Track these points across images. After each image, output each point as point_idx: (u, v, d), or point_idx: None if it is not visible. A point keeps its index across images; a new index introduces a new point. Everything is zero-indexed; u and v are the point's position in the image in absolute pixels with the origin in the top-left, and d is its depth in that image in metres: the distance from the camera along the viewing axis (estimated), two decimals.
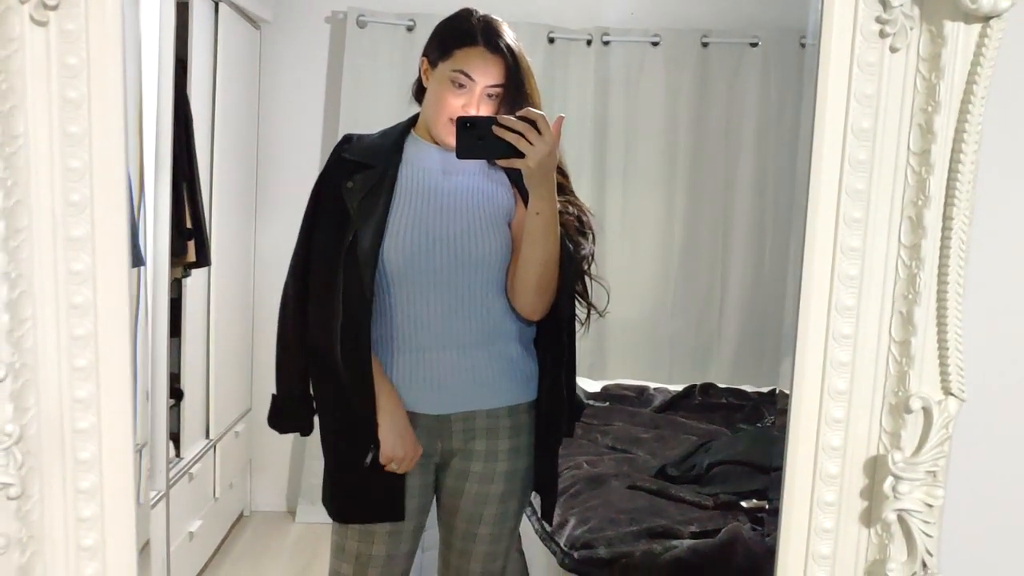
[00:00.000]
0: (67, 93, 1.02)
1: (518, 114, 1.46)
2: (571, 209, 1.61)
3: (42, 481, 1.08)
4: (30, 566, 1.08)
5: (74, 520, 1.09)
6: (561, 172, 1.58)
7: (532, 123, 1.44)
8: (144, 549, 1.93)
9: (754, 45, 3.19)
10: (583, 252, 1.61)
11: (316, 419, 1.70)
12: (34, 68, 1.01)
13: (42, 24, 1.01)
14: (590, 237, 1.64)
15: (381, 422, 1.57)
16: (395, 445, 1.57)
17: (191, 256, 2.37)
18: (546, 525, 2.06)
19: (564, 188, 1.60)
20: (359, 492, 1.62)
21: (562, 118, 1.48)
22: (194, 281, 2.49)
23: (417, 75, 1.63)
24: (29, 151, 1.02)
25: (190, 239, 2.35)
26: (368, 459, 1.57)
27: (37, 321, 1.06)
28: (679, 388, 3.02)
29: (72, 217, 1.04)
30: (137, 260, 1.75)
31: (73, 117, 1.02)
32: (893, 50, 1.04)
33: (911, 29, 1.04)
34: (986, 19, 1.00)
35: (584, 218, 1.63)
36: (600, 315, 1.68)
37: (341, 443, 1.62)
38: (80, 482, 1.09)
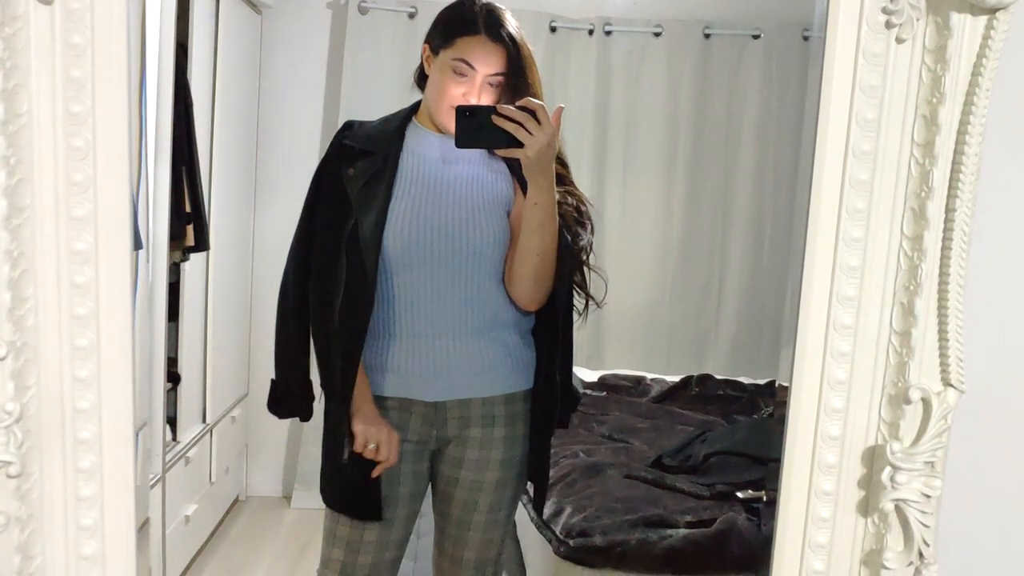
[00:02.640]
0: (71, 72, 1.01)
1: (517, 104, 1.46)
2: (570, 200, 1.60)
3: (42, 460, 1.08)
4: (29, 544, 1.09)
5: (73, 499, 1.09)
6: (561, 162, 1.58)
7: (531, 113, 1.44)
8: (141, 531, 1.93)
9: (756, 37, 3.18)
10: (581, 243, 1.61)
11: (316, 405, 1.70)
12: (38, 46, 1.01)
13: (47, 3, 1.01)
14: (588, 228, 1.63)
15: (352, 410, 1.57)
16: (367, 425, 1.57)
17: (190, 240, 2.37)
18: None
19: (563, 178, 1.59)
20: (342, 482, 1.63)
21: (562, 108, 1.47)
22: (192, 265, 2.48)
23: (419, 62, 1.62)
24: (32, 129, 1.02)
25: (189, 223, 2.34)
26: (345, 454, 1.58)
27: (39, 300, 1.06)
28: (676, 379, 3.03)
29: (75, 196, 1.04)
30: (136, 243, 1.74)
31: (77, 96, 1.02)
32: (899, 41, 1.04)
33: (917, 20, 1.04)
34: (992, 11, 1.00)
35: (583, 208, 1.63)
36: (598, 306, 1.68)
37: (332, 429, 1.63)
38: (80, 461, 1.09)
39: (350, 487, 1.61)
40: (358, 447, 1.57)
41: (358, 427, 1.57)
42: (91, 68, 1.02)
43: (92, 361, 1.08)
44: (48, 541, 1.10)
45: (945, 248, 1.05)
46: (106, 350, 1.08)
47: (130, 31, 1.05)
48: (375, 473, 1.58)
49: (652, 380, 3.05)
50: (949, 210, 1.04)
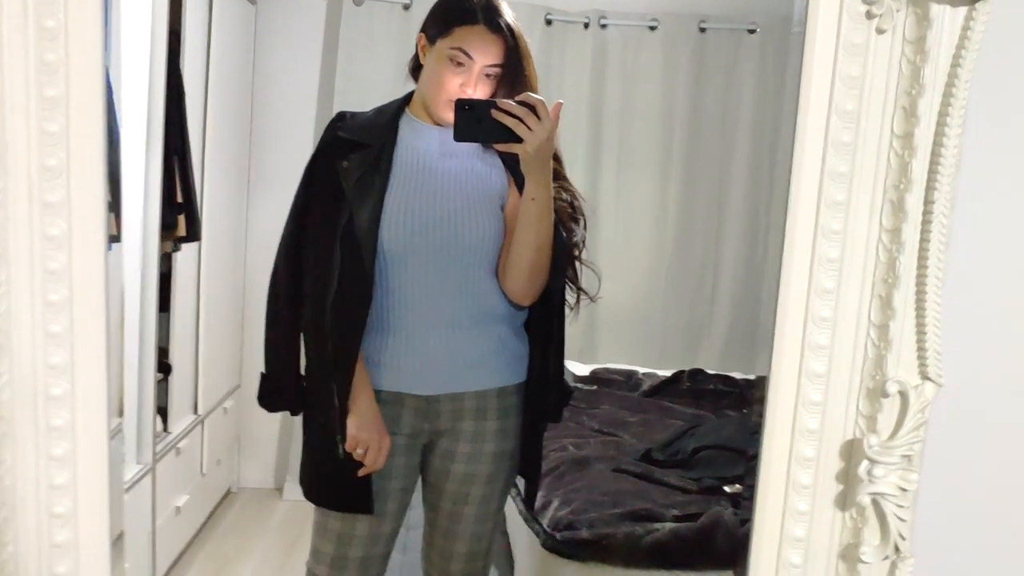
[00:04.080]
0: (44, 56, 1.01)
1: (517, 99, 1.45)
2: (564, 195, 1.60)
3: (14, 447, 1.08)
4: (2, 531, 1.08)
5: (46, 487, 1.09)
6: (555, 157, 1.57)
7: (531, 108, 1.43)
8: (117, 529, 1.93)
9: (752, 32, 3.17)
10: (575, 238, 1.61)
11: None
12: (11, 29, 1.00)
13: None
14: (581, 223, 1.63)
15: (349, 407, 1.57)
16: (360, 428, 1.57)
17: (181, 230, 2.36)
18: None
19: (558, 173, 1.59)
20: (332, 478, 1.62)
21: (561, 104, 1.47)
22: (184, 256, 2.47)
23: (414, 52, 1.61)
24: (5, 113, 1.01)
25: (181, 213, 2.34)
26: (340, 451, 1.57)
27: (11, 286, 1.05)
28: (668, 373, 3.02)
29: (48, 182, 1.03)
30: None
31: (50, 80, 1.01)
32: (879, 32, 1.04)
33: (897, 11, 1.03)
34: (972, 2, 0.99)
35: (576, 203, 1.63)
36: (591, 300, 1.68)
37: (321, 425, 1.62)
38: (53, 449, 1.08)
39: (342, 482, 1.61)
40: (349, 447, 1.56)
41: (352, 427, 1.57)
42: (65, 52, 1.01)
43: (66, 348, 1.07)
44: (21, 529, 1.10)
45: (924, 241, 1.04)
46: (80, 337, 1.07)
47: (107, 15, 1.04)
48: (361, 473, 1.58)
49: (644, 374, 3.04)
50: (928, 202, 1.04)
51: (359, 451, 1.57)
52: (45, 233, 1.04)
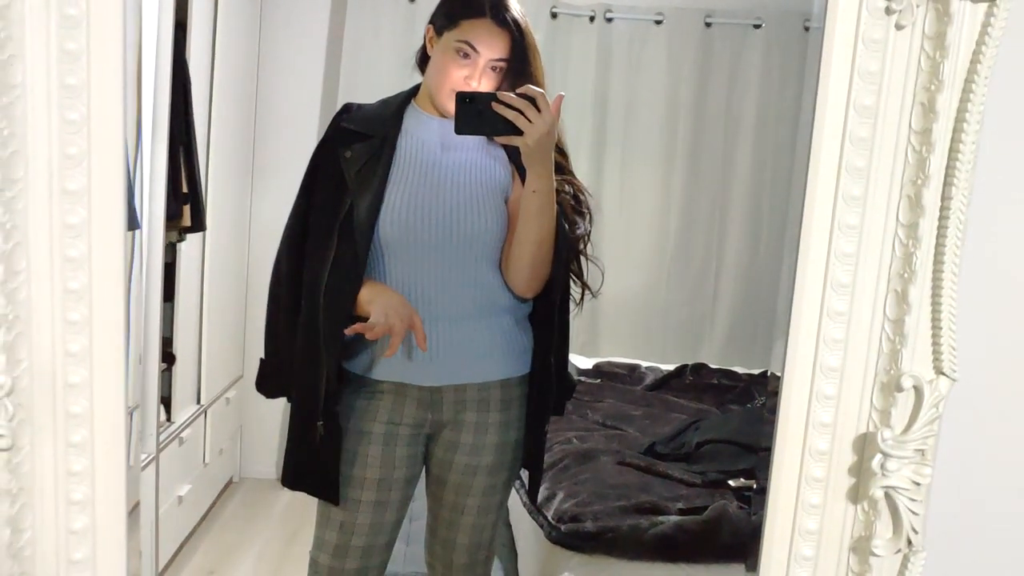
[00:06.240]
0: (66, 44, 1.01)
1: (518, 91, 1.45)
2: (568, 188, 1.60)
3: (33, 433, 1.08)
4: (19, 517, 1.09)
5: (64, 474, 1.09)
6: (560, 151, 1.57)
7: (531, 100, 1.43)
8: (133, 511, 1.92)
9: (757, 27, 3.17)
10: (579, 232, 1.61)
11: None
12: (33, 17, 1.00)
13: None
14: (587, 217, 1.63)
15: (365, 301, 1.53)
16: (387, 313, 1.52)
17: (186, 221, 2.36)
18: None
19: (562, 167, 1.59)
20: (305, 462, 1.63)
21: (562, 96, 1.47)
22: (189, 246, 2.47)
23: (421, 44, 1.61)
24: (27, 101, 1.01)
25: (186, 204, 2.33)
26: (319, 436, 1.57)
27: (31, 273, 1.05)
28: (671, 367, 3.03)
29: (68, 170, 1.03)
30: (132, 223, 1.74)
31: (71, 69, 1.01)
32: (899, 27, 1.04)
33: (917, 7, 1.03)
34: None
35: (581, 197, 1.63)
36: (594, 295, 1.68)
37: (302, 408, 1.63)
38: (71, 436, 1.09)
39: (315, 468, 1.61)
40: (375, 335, 1.51)
41: (377, 314, 1.50)
42: (86, 40, 1.01)
43: (84, 335, 1.07)
44: (39, 515, 1.10)
45: (940, 236, 1.05)
46: (98, 325, 1.07)
47: (126, 3, 1.04)
48: (390, 349, 1.51)
49: (647, 368, 3.05)
50: (945, 198, 1.04)
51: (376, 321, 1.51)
52: (65, 221, 1.04)
